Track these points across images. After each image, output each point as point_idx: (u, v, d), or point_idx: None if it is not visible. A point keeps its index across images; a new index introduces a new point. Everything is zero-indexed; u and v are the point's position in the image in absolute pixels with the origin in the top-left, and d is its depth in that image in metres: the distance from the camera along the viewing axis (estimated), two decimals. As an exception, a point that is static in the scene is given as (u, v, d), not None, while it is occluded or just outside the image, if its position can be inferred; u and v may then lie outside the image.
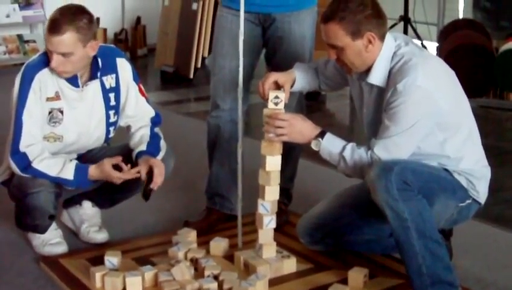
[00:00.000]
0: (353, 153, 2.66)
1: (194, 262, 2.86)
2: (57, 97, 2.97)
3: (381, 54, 2.65)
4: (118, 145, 3.21)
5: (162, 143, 3.12)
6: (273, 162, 2.77)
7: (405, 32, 6.12)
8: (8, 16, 7.10)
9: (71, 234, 3.23)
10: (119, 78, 3.08)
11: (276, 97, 2.75)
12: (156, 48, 7.16)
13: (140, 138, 3.09)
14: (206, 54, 6.56)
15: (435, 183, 2.62)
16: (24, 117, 2.90)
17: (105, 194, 3.17)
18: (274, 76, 2.86)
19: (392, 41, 2.67)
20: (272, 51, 3.24)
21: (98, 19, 7.19)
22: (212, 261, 2.84)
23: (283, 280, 2.83)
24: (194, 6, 6.55)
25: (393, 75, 2.61)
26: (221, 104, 3.25)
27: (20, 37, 7.22)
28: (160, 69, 6.86)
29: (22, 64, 3.04)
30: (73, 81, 2.96)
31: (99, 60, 2.99)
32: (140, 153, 3.02)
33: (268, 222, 2.85)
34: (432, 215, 2.58)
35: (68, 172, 2.92)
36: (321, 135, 2.71)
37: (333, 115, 5.93)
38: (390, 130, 2.59)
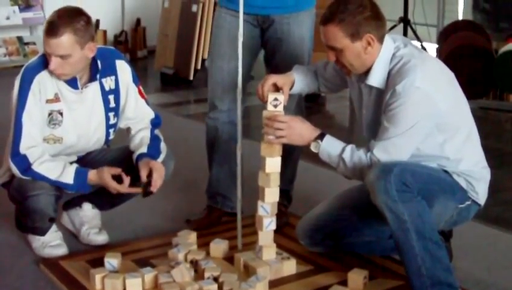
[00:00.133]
0: (352, 154, 2.66)
1: (194, 264, 2.86)
2: (56, 99, 2.97)
3: (380, 56, 2.64)
4: (118, 147, 3.22)
5: (163, 145, 3.12)
6: (273, 164, 2.77)
7: (405, 33, 6.13)
8: (8, 18, 7.11)
9: (71, 236, 3.23)
10: (119, 80, 3.08)
11: (275, 99, 2.75)
12: (156, 50, 7.16)
13: (140, 140, 3.09)
14: (206, 56, 6.53)
15: (434, 185, 2.62)
16: (24, 119, 2.90)
17: (105, 196, 3.16)
18: (273, 78, 2.86)
19: (391, 43, 2.67)
20: (270, 52, 3.24)
21: (98, 20, 7.20)
22: (212, 263, 2.84)
23: (283, 281, 2.82)
24: (194, 8, 6.55)
25: (392, 77, 2.61)
26: (219, 105, 3.24)
27: (20, 39, 7.23)
28: (160, 70, 6.85)
29: (22, 66, 3.04)
30: (72, 83, 2.97)
31: (98, 62, 2.99)
32: (141, 156, 3.02)
33: (268, 224, 2.85)
34: (432, 216, 2.58)
35: (68, 176, 2.93)
36: (320, 136, 2.71)
37: (333, 117, 5.92)
38: (389, 132, 2.59)
